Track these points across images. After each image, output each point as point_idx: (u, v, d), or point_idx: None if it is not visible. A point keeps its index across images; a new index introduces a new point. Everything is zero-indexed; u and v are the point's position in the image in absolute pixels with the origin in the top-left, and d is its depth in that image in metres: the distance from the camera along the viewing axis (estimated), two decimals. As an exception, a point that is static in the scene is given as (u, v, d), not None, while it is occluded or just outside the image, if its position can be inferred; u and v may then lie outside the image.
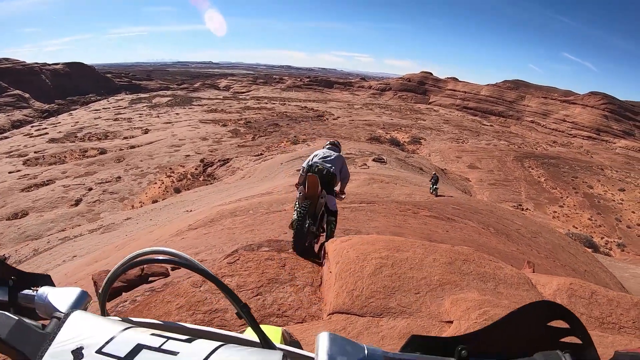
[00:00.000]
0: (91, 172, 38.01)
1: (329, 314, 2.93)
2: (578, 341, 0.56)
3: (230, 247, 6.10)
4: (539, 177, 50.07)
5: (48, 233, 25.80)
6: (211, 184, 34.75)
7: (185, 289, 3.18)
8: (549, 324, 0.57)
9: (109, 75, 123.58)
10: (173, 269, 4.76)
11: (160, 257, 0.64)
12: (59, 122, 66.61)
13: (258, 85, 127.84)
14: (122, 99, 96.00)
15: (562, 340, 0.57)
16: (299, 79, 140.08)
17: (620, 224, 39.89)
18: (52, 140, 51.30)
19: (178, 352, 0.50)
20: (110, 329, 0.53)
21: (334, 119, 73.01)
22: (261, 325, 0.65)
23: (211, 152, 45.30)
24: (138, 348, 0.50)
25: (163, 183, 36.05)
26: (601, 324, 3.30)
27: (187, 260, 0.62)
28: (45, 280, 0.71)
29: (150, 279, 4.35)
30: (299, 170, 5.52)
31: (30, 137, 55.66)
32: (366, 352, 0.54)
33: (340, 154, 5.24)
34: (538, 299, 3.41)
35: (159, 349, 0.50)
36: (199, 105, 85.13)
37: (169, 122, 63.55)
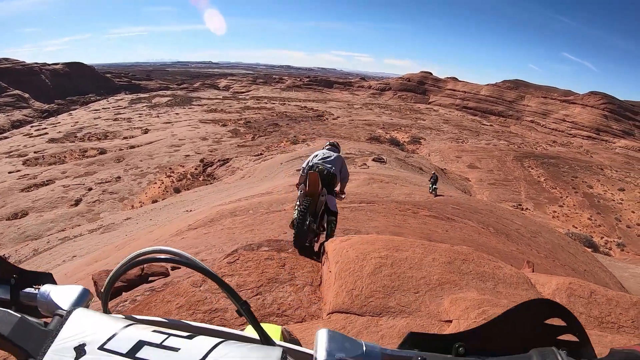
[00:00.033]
0: (91, 172, 38.01)
1: (329, 314, 2.94)
2: (575, 339, 0.57)
3: (230, 246, 6.11)
4: (538, 176, 50.09)
5: (48, 233, 25.81)
6: (211, 184, 34.76)
7: (185, 289, 3.19)
8: (546, 321, 0.58)
9: (108, 75, 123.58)
10: (173, 269, 4.77)
11: (162, 256, 0.65)
12: (59, 122, 66.61)
13: (258, 85, 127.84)
14: (121, 99, 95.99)
15: (559, 338, 0.58)
16: (298, 79, 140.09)
17: (620, 223, 39.92)
18: (51, 140, 51.30)
19: (179, 349, 0.51)
20: (112, 325, 0.54)
21: (333, 119, 73.02)
22: (261, 324, 0.65)
23: (211, 152, 45.30)
24: (140, 344, 0.51)
25: (163, 183, 36.06)
26: (600, 323, 3.30)
27: (188, 259, 0.63)
28: (47, 278, 0.71)
29: (150, 278, 4.36)
30: (298, 170, 5.55)
31: (30, 137, 55.66)
32: (364, 348, 0.55)
33: (340, 154, 5.28)
34: (537, 298, 3.42)
35: (160, 345, 0.51)
36: (199, 105, 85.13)
37: (169, 122, 63.55)
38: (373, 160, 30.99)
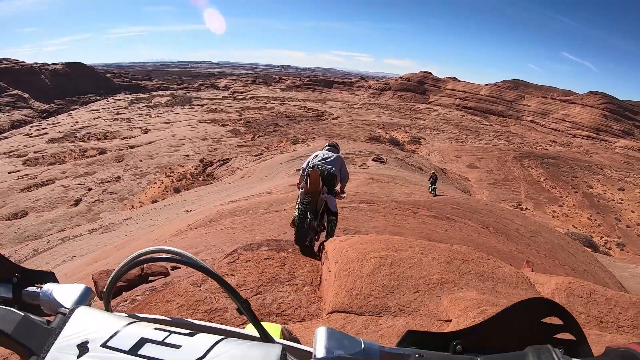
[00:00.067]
0: (91, 172, 38.00)
1: (328, 313, 2.95)
2: (572, 337, 0.58)
3: (229, 246, 6.11)
4: (538, 176, 50.10)
5: (48, 233, 25.81)
6: (211, 183, 34.76)
7: (185, 288, 3.20)
8: (543, 320, 0.59)
9: (108, 75, 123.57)
10: (173, 269, 4.77)
11: (164, 255, 0.66)
12: (59, 122, 66.60)
13: (257, 85, 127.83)
14: (121, 99, 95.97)
15: (556, 336, 0.59)
16: (298, 79, 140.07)
17: (620, 223, 39.92)
18: (51, 141, 51.29)
19: (181, 346, 0.51)
20: (114, 323, 0.54)
21: (333, 119, 73.01)
22: (261, 322, 0.66)
23: (211, 152, 45.29)
24: (142, 342, 0.51)
25: (163, 183, 36.05)
26: (599, 322, 3.31)
27: (189, 258, 0.63)
28: (50, 277, 0.72)
29: (150, 278, 4.37)
30: (298, 170, 5.60)
31: (30, 137, 55.65)
32: (363, 346, 0.56)
33: (339, 154, 5.33)
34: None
35: (162, 343, 0.52)
36: (199, 105, 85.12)
37: (169, 122, 63.54)
38: (373, 160, 30.99)
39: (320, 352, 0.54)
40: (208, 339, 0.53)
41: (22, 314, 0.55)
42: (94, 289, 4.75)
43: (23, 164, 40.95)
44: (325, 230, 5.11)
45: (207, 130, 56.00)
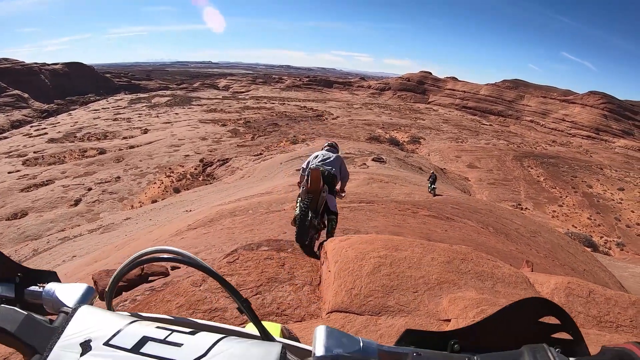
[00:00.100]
0: (90, 172, 37.99)
1: (328, 313, 2.95)
2: (569, 337, 0.59)
3: (229, 246, 6.12)
4: (538, 176, 50.11)
5: (47, 233, 25.80)
6: (210, 183, 34.75)
7: (185, 288, 3.20)
8: (541, 320, 0.59)
9: (108, 75, 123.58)
10: (173, 269, 4.78)
11: (165, 255, 0.67)
12: (58, 122, 66.58)
13: (257, 85, 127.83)
14: (121, 99, 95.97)
15: (554, 335, 0.59)
16: (298, 79, 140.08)
17: (620, 223, 39.93)
18: (51, 141, 51.28)
19: (182, 344, 0.52)
20: (117, 322, 0.55)
21: (333, 119, 73.01)
22: (261, 322, 0.67)
23: (210, 152, 45.29)
24: (144, 340, 0.52)
25: (162, 183, 36.04)
26: (599, 322, 3.32)
27: (190, 258, 0.64)
28: (52, 276, 0.72)
29: (150, 278, 4.37)
30: (298, 170, 5.65)
31: (30, 137, 55.64)
32: (361, 344, 0.57)
33: (339, 154, 5.38)
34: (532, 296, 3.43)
35: (163, 341, 0.52)
36: (198, 105, 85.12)
37: (168, 122, 63.53)
38: (372, 160, 30.98)
39: (319, 350, 0.55)
40: (209, 337, 0.54)
41: (25, 313, 0.56)
42: (88, 285, 4.75)
43: (23, 164, 40.93)
44: (326, 229, 5.15)
45: (206, 130, 55.99)
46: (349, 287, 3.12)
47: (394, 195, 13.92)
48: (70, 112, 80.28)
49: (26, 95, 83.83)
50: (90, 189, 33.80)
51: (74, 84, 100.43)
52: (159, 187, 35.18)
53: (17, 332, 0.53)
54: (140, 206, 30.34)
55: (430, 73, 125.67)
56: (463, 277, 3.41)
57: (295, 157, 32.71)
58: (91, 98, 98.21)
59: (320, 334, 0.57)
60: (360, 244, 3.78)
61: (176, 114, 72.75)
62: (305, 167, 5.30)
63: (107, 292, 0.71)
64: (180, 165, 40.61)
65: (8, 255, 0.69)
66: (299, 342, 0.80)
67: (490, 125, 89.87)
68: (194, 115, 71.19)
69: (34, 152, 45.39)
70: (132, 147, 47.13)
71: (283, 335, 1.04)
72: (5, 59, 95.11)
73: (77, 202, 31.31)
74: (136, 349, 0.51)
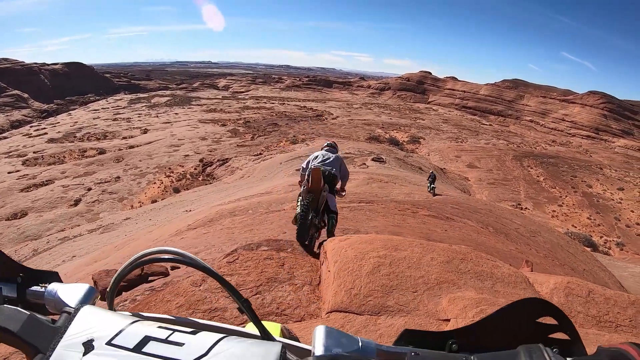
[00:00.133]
0: (90, 172, 37.99)
1: (328, 313, 2.95)
2: (566, 337, 0.59)
3: (229, 246, 6.12)
4: (538, 176, 50.13)
5: (47, 233, 25.80)
6: (210, 183, 34.75)
7: (185, 288, 3.20)
8: (538, 320, 0.60)
9: (107, 75, 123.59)
10: (173, 269, 4.78)
11: (166, 256, 0.67)
12: (58, 122, 66.56)
13: (257, 85, 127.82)
14: (121, 99, 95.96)
15: (551, 336, 0.60)
16: (298, 79, 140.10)
17: (619, 223, 39.95)
18: (51, 141, 51.26)
19: (184, 343, 0.53)
20: (119, 322, 0.56)
21: (333, 119, 73.02)
22: (261, 321, 0.68)
23: (210, 151, 45.29)
24: (146, 340, 0.53)
25: (162, 183, 36.04)
26: (598, 322, 3.32)
27: (191, 259, 0.65)
28: (54, 277, 0.73)
29: (150, 278, 4.37)
30: (298, 169, 5.70)
31: (29, 137, 55.63)
32: (360, 344, 0.58)
33: (338, 154, 5.43)
34: (535, 297, 3.44)
35: (165, 341, 0.53)
36: (198, 105, 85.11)
37: (168, 122, 63.53)
38: (372, 159, 30.98)
39: (318, 350, 0.55)
40: (210, 337, 0.55)
41: (28, 313, 0.57)
42: (90, 285, 4.75)
43: (22, 164, 40.92)
44: (326, 227, 5.21)
45: (206, 130, 55.99)
46: (349, 287, 3.13)
47: (394, 195, 13.92)
48: (70, 112, 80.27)
49: (26, 95, 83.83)
50: (90, 189, 33.80)
51: (73, 84, 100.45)
52: (158, 187, 35.17)
53: (20, 332, 0.54)
54: (140, 206, 30.34)
55: (430, 73, 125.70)
56: (462, 276, 3.41)
57: (295, 157, 32.72)
58: (91, 98, 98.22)
59: (319, 333, 0.57)
60: (360, 244, 3.78)
61: (176, 114, 72.75)
62: (305, 166, 5.37)
63: (109, 292, 0.72)
64: (180, 165, 40.61)
65: (6, 254, 0.70)
66: (299, 341, 0.80)
67: (490, 125, 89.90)
68: (193, 115, 71.19)
69: (34, 152, 45.38)
70: (131, 147, 47.12)
71: (283, 335, 1.04)
72: (5, 59, 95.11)
73: (76, 202, 31.31)
74: (138, 348, 0.51)
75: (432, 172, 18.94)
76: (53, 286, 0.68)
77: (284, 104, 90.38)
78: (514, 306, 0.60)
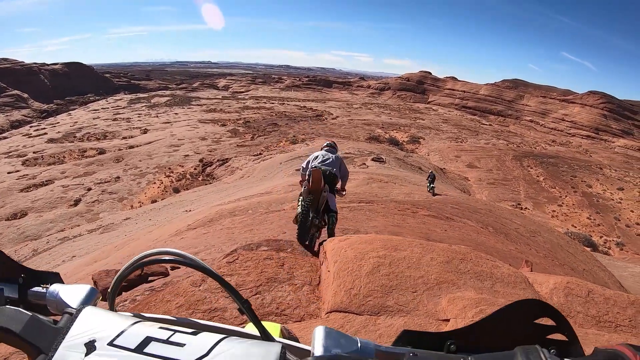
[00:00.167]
0: (90, 172, 37.98)
1: (327, 313, 2.96)
2: (564, 338, 0.60)
3: (229, 246, 6.12)
4: (537, 176, 50.14)
5: (47, 233, 25.80)
6: (210, 183, 34.76)
7: (185, 288, 3.20)
8: (536, 321, 0.60)
9: (107, 75, 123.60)
10: (172, 269, 4.78)
11: (167, 257, 0.68)
12: (58, 122, 66.56)
13: (257, 85, 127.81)
14: (120, 99, 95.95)
15: (549, 337, 0.60)
16: (298, 79, 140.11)
17: (619, 223, 39.97)
18: (50, 141, 51.26)
19: (185, 344, 0.53)
20: (120, 322, 0.56)
21: (332, 119, 73.03)
22: (261, 322, 0.68)
23: (210, 152, 45.29)
24: (147, 340, 0.53)
25: (162, 183, 36.04)
26: (598, 322, 3.33)
27: (191, 260, 0.65)
28: (55, 277, 0.73)
29: (150, 278, 4.37)
30: (298, 169, 5.75)
31: (29, 137, 55.62)
32: (359, 344, 0.58)
33: (338, 154, 5.47)
34: (535, 297, 3.44)
35: (166, 341, 0.53)
36: (198, 105, 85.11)
37: (168, 122, 63.52)
38: (372, 159, 30.98)
39: (318, 350, 0.56)
40: (211, 337, 0.55)
41: (30, 313, 0.57)
42: (91, 286, 4.76)
43: (22, 164, 40.92)
44: (327, 226, 5.27)
45: (206, 130, 55.99)
46: (348, 287, 3.13)
47: (394, 195, 13.93)
48: (70, 112, 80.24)
49: (26, 95, 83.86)
50: (89, 189, 33.80)
51: (73, 84, 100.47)
52: (158, 187, 35.17)
53: (22, 333, 0.54)
54: (140, 206, 30.34)
55: (430, 73, 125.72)
56: (462, 277, 3.41)
57: (294, 157, 32.72)
58: (91, 98, 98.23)
59: (318, 334, 0.58)
60: (360, 244, 3.79)
61: (176, 114, 72.74)
62: (305, 166, 5.42)
63: (110, 293, 0.72)
64: (180, 165, 40.61)
65: (7, 254, 0.71)
66: (299, 342, 0.81)
67: (490, 125, 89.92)
68: (193, 115, 71.18)
69: (34, 152, 45.38)
70: (131, 147, 47.12)
71: (282, 335, 1.04)
72: (5, 59, 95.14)
73: (76, 202, 31.31)
74: (140, 349, 0.52)
75: (431, 172, 18.94)
76: (54, 287, 0.68)
77: (283, 104, 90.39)
78: (512, 307, 0.60)
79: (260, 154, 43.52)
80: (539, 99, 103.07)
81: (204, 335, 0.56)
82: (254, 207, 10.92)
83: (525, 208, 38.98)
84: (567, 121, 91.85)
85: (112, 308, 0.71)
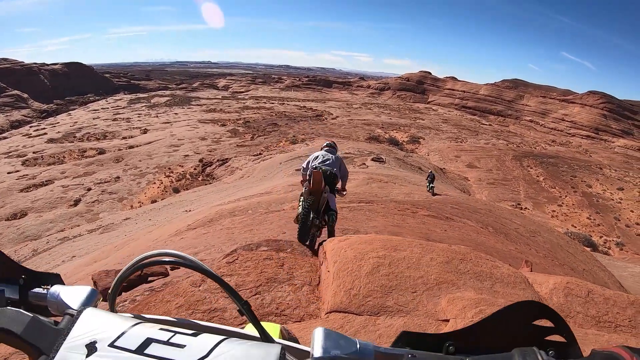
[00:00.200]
0: (90, 172, 37.98)
1: (327, 313, 2.96)
2: (562, 340, 0.60)
3: (229, 246, 6.12)
4: (537, 176, 50.14)
5: (47, 233, 25.80)
6: (210, 183, 34.75)
7: (185, 289, 3.20)
8: (535, 322, 0.60)
9: (107, 75, 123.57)
10: (172, 269, 4.78)
11: (167, 259, 0.68)
12: (58, 123, 66.54)
13: (257, 85, 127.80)
14: (120, 99, 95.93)
15: (547, 338, 0.60)
16: (297, 79, 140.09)
17: (619, 222, 39.97)
18: (50, 141, 51.24)
19: (185, 345, 0.54)
20: (121, 324, 0.57)
21: (332, 119, 73.02)
22: (261, 322, 0.69)
23: (210, 152, 45.28)
24: (148, 342, 0.54)
25: (162, 183, 36.04)
26: (597, 322, 3.32)
27: (191, 261, 0.66)
28: (56, 279, 0.73)
29: (150, 278, 4.38)
30: (298, 169, 5.80)
31: (29, 137, 55.61)
32: (358, 346, 0.58)
33: (338, 154, 5.52)
34: (534, 297, 3.44)
35: (167, 343, 0.54)
36: (198, 105, 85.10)
37: (168, 122, 63.51)
38: (372, 159, 30.98)
39: (317, 351, 0.56)
40: (211, 339, 0.56)
41: (31, 315, 0.57)
42: (92, 287, 4.76)
43: (22, 164, 40.91)
44: (327, 225, 5.34)
45: (206, 130, 55.98)
46: (348, 287, 3.13)
47: (394, 195, 13.93)
48: (70, 112, 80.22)
49: (25, 95, 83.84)
50: (89, 189, 33.79)
51: (73, 84, 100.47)
52: (158, 187, 35.17)
53: (24, 334, 0.54)
54: (140, 206, 30.33)
55: (430, 73, 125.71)
56: (462, 277, 3.41)
57: (294, 157, 32.72)
58: (90, 98, 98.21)
59: (318, 335, 0.58)
60: (359, 244, 3.79)
61: (175, 114, 72.73)
62: (305, 166, 5.47)
63: (110, 294, 0.72)
64: (180, 165, 40.61)
65: (8, 255, 0.71)
66: (298, 342, 0.81)
67: (490, 125, 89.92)
68: (193, 115, 71.17)
69: (34, 153, 45.37)
70: (131, 147, 47.11)
71: (282, 336, 1.05)
72: (5, 59, 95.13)
73: (76, 203, 31.30)
74: (140, 350, 0.52)
75: (430, 172, 18.96)
76: (55, 288, 0.69)
77: (283, 104, 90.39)
78: (511, 308, 0.60)
79: (260, 154, 43.51)
80: (538, 99, 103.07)
81: (204, 336, 0.57)
82: (254, 207, 10.92)
83: (525, 208, 38.98)
84: (567, 121, 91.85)
85: (112, 309, 0.72)
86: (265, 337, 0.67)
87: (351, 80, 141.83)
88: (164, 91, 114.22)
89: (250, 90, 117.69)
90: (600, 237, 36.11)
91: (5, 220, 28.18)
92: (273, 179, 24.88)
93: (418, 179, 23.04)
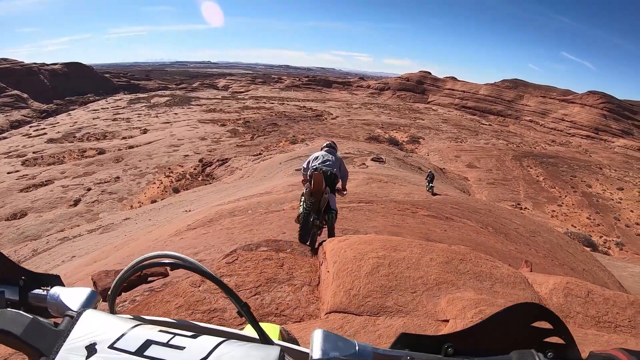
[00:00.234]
0: (90, 173, 37.96)
1: (327, 313, 2.96)
2: (561, 341, 0.60)
3: (228, 247, 6.12)
4: (537, 176, 50.14)
5: (47, 233, 25.79)
6: (210, 183, 34.74)
7: (184, 289, 3.20)
8: (534, 324, 0.61)
9: (107, 75, 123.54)
10: (172, 270, 4.78)
11: (167, 260, 0.68)
12: (58, 123, 66.52)
13: (257, 85, 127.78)
14: (120, 99, 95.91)
15: (546, 340, 0.60)
16: (297, 79, 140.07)
17: (619, 222, 39.98)
18: (50, 141, 51.22)
19: (184, 347, 0.54)
20: (121, 325, 0.57)
21: (332, 119, 73.01)
22: (260, 323, 0.69)
23: (210, 152, 45.28)
24: (147, 343, 0.54)
25: (162, 183, 36.03)
26: (597, 322, 3.32)
27: (191, 263, 0.66)
28: (56, 280, 0.73)
29: (150, 279, 4.37)
30: (298, 169, 5.83)
31: (29, 137, 55.59)
32: (357, 348, 0.59)
33: (338, 154, 5.64)
34: (534, 298, 3.44)
35: (166, 344, 0.54)
36: (198, 105, 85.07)
37: (168, 122, 63.49)
38: (372, 159, 30.98)
39: (316, 353, 0.57)
40: (210, 340, 0.56)
41: (31, 316, 0.57)
42: (92, 289, 4.76)
43: (22, 164, 40.89)
44: (327, 225, 5.39)
45: (206, 130, 55.97)
46: (348, 287, 3.13)
47: (393, 195, 13.92)
48: (70, 112, 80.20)
49: (25, 95, 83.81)
50: (89, 189, 33.78)
51: (73, 84, 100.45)
52: (158, 187, 35.16)
53: (23, 336, 0.54)
54: (140, 206, 30.32)
55: (430, 73, 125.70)
56: (462, 277, 3.41)
57: (294, 157, 32.71)
58: (90, 98, 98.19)
59: (317, 337, 0.59)
60: (359, 245, 3.79)
61: (175, 114, 72.71)
62: (305, 167, 5.50)
63: (110, 295, 0.72)
64: (180, 165, 40.60)
65: (7, 256, 0.71)
66: (298, 343, 0.82)
67: (490, 125, 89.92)
68: (193, 115, 71.15)
69: (33, 153, 45.35)
70: (131, 147, 47.09)
71: (282, 337, 1.05)
72: (5, 59, 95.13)
73: (76, 203, 31.29)
74: (140, 351, 0.52)
75: (430, 172, 18.95)
76: (55, 289, 0.69)
77: (283, 104, 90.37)
78: (509, 310, 0.61)
79: (260, 154, 43.50)
80: (538, 99, 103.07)
81: (204, 338, 0.57)
82: (254, 207, 10.92)
83: (525, 208, 38.98)
84: (567, 121, 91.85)
85: (112, 311, 0.72)
86: (264, 339, 0.67)
87: (351, 80, 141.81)
88: (164, 91, 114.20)
89: (250, 90, 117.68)
90: (600, 237, 36.11)
91: (5, 220, 28.17)
92: (273, 179, 24.87)
93: (418, 179, 23.04)
